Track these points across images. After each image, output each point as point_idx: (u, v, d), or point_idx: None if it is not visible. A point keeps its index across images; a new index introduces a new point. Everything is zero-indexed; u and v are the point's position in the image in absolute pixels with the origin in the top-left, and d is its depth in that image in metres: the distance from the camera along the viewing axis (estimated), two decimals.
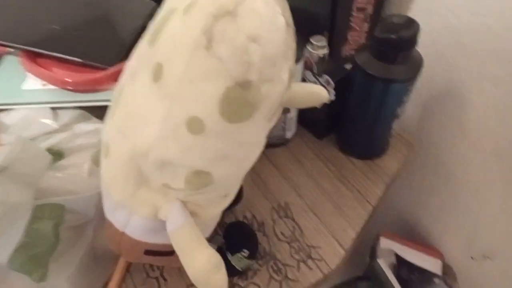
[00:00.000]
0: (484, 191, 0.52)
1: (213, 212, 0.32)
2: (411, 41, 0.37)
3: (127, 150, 0.26)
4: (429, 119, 0.55)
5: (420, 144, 0.58)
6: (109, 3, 0.51)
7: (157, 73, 0.23)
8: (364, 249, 0.70)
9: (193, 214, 0.29)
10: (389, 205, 0.72)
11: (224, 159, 0.26)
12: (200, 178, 0.26)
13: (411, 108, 0.57)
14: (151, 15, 0.48)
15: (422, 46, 0.40)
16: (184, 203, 0.29)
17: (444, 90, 0.51)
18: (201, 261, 0.26)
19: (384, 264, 0.63)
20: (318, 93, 0.36)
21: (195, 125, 0.23)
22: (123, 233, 0.31)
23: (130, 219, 0.30)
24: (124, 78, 0.28)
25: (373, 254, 0.66)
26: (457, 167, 0.55)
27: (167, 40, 0.22)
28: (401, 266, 0.66)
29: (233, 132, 0.24)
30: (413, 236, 0.71)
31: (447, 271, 0.65)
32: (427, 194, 0.63)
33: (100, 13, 0.49)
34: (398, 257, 0.66)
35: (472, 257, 0.60)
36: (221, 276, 0.27)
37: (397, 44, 0.37)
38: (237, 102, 0.22)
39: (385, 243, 0.66)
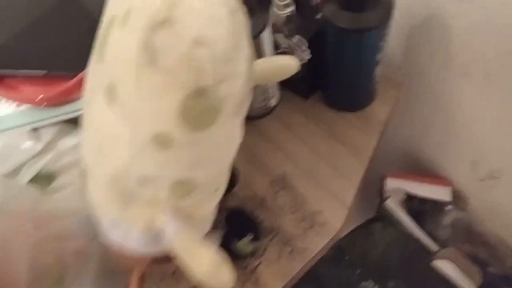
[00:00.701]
0: (479, 113, 0.51)
1: (207, 210, 0.33)
2: None
3: (105, 173, 0.26)
4: (415, 50, 0.53)
5: (410, 78, 0.56)
6: (61, 6, 0.47)
7: (112, 94, 0.22)
8: (375, 191, 0.71)
9: (187, 217, 0.29)
10: (392, 144, 0.72)
11: (202, 164, 0.25)
12: (183, 187, 0.26)
13: (396, 43, 0.54)
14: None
15: None
16: (176, 209, 0.29)
17: (425, 19, 0.48)
18: (204, 264, 0.27)
19: (393, 204, 0.64)
20: (287, 64, 0.34)
21: (162, 141, 0.22)
22: (126, 249, 0.31)
23: (127, 234, 0.30)
24: (85, 94, 0.27)
25: (381, 195, 0.67)
26: (450, 93, 0.53)
27: (112, 57, 0.21)
28: (412, 200, 0.67)
29: (203, 138, 0.23)
30: (420, 169, 0.71)
31: (458, 196, 0.66)
32: (426, 125, 0.62)
33: (54, 18, 0.46)
34: (407, 193, 0.67)
35: (480, 179, 0.60)
36: (227, 272, 0.28)
37: None
38: (197, 110, 0.21)
39: (392, 183, 0.66)
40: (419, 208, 0.68)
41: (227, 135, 0.26)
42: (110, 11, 0.23)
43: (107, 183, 0.26)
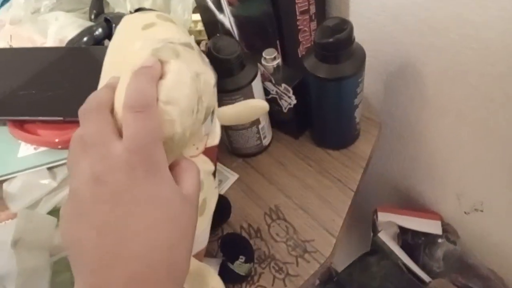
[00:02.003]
0: (456, 149, 0.56)
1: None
2: (348, 40, 0.41)
3: None
4: (395, 94, 0.59)
5: (393, 118, 0.62)
6: (75, 58, 0.54)
7: None
8: (368, 225, 0.74)
9: None
10: (382, 180, 0.76)
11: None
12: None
13: (377, 87, 0.60)
14: None
15: (370, 30, 0.43)
16: None
17: (400, 66, 0.54)
18: None
19: (386, 237, 0.67)
20: (258, 105, 0.40)
21: None
22: None
23: None
24: None
25: (374, 228, 0.70)
26: (429, 132, 0.58)
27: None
28: (405, 233, 0.70)
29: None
30: (410, 203, 0.74)
31: (448, 229, 0.69)
32: (411, 161, 0.67)
33: (70, 69, 0.52)
34: (400, 226, 0.69)
35: (465, 212, 0.64)
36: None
37: (336, 46, 0.41)
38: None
39: (383, 216, 0.69)
40: (413, 241, 0.70)
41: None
42: (106, 81, 0.28)
43: None
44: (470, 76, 0.46)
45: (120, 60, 0.29)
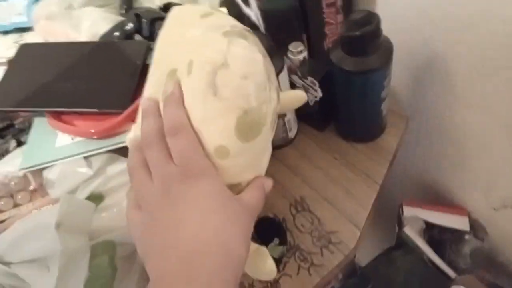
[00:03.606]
0: (486, 145, 0.54)
1: None
2: (375, 32, 0.41)
3: None
4: (421, 88, 0.58)
5: (419, 112, 0.61)
6: (107, 52, 0.56)
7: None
8: (393, 219, 0.73)
9: None
10: (408, 174, 0.75)
11: (248, 170, 0.31)
12: (234, 191, 0.31)
13: (403, 81, 0.59)
14: (147, 53, 0.52)
15: (397, 23, 0.43)
16: None
17: (427, 60, 0.53)
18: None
19: (411, 232, 0.66)
20: (297, 96, 0.41)
21: (222, 152, 0.28)
22: None
23: None
24: None
25: (399, 223, 0.70)
26: (456, 126, 0.57)
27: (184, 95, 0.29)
28: (431, 228, 0.69)
29: (251, 147, 0.29)
30: (436, 198, 0.73)
31: (476, 226, 0.67)
32: (437, 156, 0.66)
33: (102, 62, 0.54)
34: (426, 221, 0.69)
35: (494, 208, 0.62)
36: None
37: (362, 39, 0.41)
38: (248, 126, 0.28)
39: (409, 211, 0.69)
40: (439, 237, 0.69)
41: (266, 143, 0.32)
42: (166, 67, 0.30)
43: None
44: (501, 71, 0.45)
45: (182, 45, 0.30)
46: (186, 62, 0.28)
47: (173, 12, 0.34)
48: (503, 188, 0.59)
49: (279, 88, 0.31)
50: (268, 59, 0.29)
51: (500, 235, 0.65)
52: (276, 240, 0.44)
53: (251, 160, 0.31)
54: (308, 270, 0.45)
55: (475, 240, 0.67)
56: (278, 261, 0.45)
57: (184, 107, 0.28)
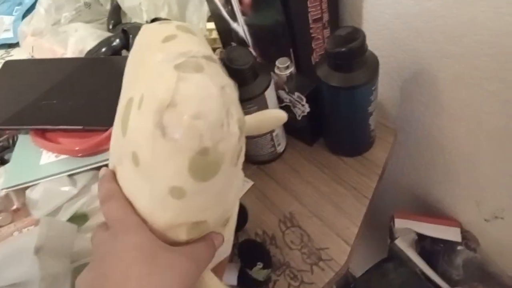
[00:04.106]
0: (475, 156, 0.55)
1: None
2: (360, 49, 0.41)
3: None
4: (409, 100, 0.58)
5: (409, 125, 0.61)
6: (94, 68, 0.55)
7: (135, 160, 0.27)
8: (385, 232, 0.73)
9: None
10: (398, 185, 0.75)
11: (211, 207, 0.30)
12: (198, 227, 0.30)
13: (391, 94, 0.59)
14: None
15: (384, 37, 0.42)
16: None
17: (414, 73, 0.53)
18: None
19: (403, 244, 0.66)
20: (276, 116, 0.40)
21: (177, 192, 0.27)
22: None
23: None
24: (111, 160, 0.33)
25: (391, 235, 0.69)
26: (445, 139, 0.57)
27: (132, 134, 0.27)
28: (423, 240, 0.69)
29: (209, 186, 0.28)
30: (427, 210, 0.73)
31: (468, 236, 0.67)
32: (428, 168, 0.66)
33: (88, 79, 0.54)
34: (418, 233, 0.68)
35: (485, 219, 0.62)
36: None
37: (348, 55, 0.41)
38: (203, 166, 0.26)
39: (400, 223, 0.68)
40: (431, 248, 0.69)
41: (229, 180, 0.30)
42: (127, 93, 0.29)
43: None
44: (488, 82, 0.45)
45: (142, 72, 0.29)
46: (140, 93, 0.27)
47: (140, 32, 0.32)
48: (494, 199, 0.59)
49: (243, 118, 0.29)
50: (230, 88, 0.28)
51: (492, 246, 0.65)
52: (260, 264, 0.43)
53: (213, 197, 0.29)
54: None
55: (467, 251, 0.66)
56: (263, 283, 0.44)
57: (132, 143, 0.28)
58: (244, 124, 0.29)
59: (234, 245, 0.48)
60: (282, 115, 0.39)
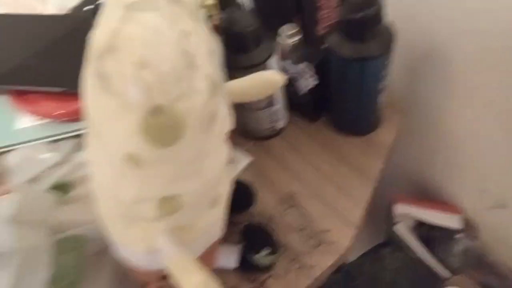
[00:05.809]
0: (484, 143, 0.52)
1: (208, 221, 0.32)
2: (376, 18, 0.37)
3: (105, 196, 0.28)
4: (418, 81, 0.55)
5: (415, 106, 0.58)
6: (77, 27, 0.51)
7: (89, 121, 0.24)
8: (383, 216, 0.71)
9: (187, 230, 0.30)
10: (400, 170, 0.73)
11: (181, 179, 0.26)
12: (170, 203, 0.27)
13: (399, 74, 0.56)
14: None
15: (395, 10, 0.40)
16: (172, 227, 0.29)
17: (426, 51, 0.51)
18: (193, 285, 0.26)
19: (403, 229, 0.64)
20: (271, 79, 0.34)
21: (134, 160, 0.23)
22: (133, 265, 0.32)
23: (132, 253, 0.31)
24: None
25: (390, 220, 0.67)
26: (452, 123, 0.55)
27: (82, 88, 0.23)
28: (422, 226, 0.67)
29: (172, 154, 0.24)
30: (429, 196, 0.71)
31: (468, 224, 0.66)
32: (431, 153, 0.64)
33: (72, 38, 0.49)
34: (417, 219, 0.67)
35: (488, 208, 0.60)
36: None
37: (362, 23, 0.37)
38: (158, 128, 0.22)
39: (401, 208, 0.67)
40: (429, 235, 0.67)
41: (201, 150, 0.26)
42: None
43: (108, 205, 0.28)
44: (503, 64, 0.42)
45: (100, 16, 0.24)
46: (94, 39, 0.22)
47: None
48: (497, 188, 0.57)
49: (216, 76, 0.24)
50: (196, 36, 0.22)
51: (493, 235, 0.64)
52: (267, 249, 0.41)
53: (181, 168, 0.25)
54: (298, 270, 0.42)
55: (467, 239, 0.65)
56: (267, 269, 0.42)
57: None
58: (218, 83, 0.24)
59: (237, 226, 0.45)
60: (277, 78, 0.34)
